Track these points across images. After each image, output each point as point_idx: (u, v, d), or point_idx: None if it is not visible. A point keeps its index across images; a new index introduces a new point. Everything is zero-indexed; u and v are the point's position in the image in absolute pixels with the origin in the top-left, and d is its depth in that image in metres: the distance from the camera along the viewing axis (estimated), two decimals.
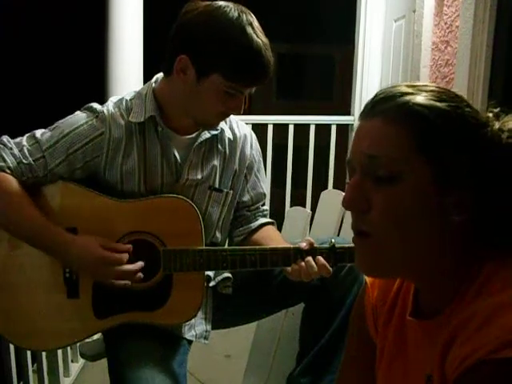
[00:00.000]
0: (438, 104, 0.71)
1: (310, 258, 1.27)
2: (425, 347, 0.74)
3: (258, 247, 1.34)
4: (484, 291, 0.67)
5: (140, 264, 1.28)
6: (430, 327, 0.74)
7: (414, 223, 0.70)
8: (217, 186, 1.42)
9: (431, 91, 0.73)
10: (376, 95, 0.75)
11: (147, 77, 1.53)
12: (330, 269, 1.27)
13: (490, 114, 0.74)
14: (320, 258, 1.27)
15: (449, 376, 0.67)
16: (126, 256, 1.26)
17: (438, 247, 0.71)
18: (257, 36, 1.22)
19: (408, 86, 0.74)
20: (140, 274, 1.28)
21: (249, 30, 1.21)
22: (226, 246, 1.42)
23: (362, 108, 0.76)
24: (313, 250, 1.29)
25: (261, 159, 1.53)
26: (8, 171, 1.27)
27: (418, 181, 0.69)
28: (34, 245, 1.30)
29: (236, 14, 1.22)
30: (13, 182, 1.27)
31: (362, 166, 0.72)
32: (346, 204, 0.73)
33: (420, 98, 0.71)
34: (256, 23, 1.24)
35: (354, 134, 0.76)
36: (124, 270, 1.26)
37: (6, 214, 1.29)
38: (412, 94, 0.72)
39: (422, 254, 0.72)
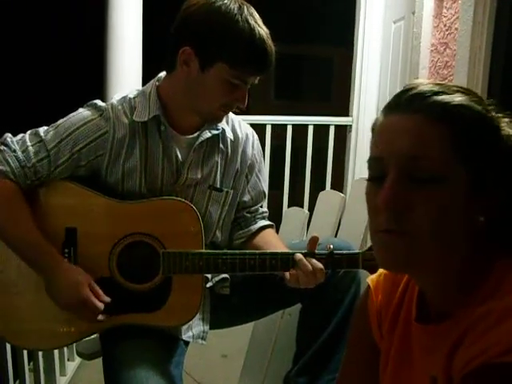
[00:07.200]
0: (477, 106, 0.70)
1: (307, 263, 1.27)
2: (431, 350, 0.74)
3: (257, 251, 1.33)
4: (496, 294, 0.67)
5: (102, 316, 1.29)
6: (438, 331, 0.73)
7: (450, 223, 0.69)
8: (217, 185, 1.42)
9: (461, 92, 0.71)
10: (409, 89, 0.71)
11: (146, 76, 1.52)
12: (324, 271, 1.27)
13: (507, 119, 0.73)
14: (317, 263, 1.27)
15: (455, 377, 0.67)
16: (102, 306, 1.27)
17: (464, 247, 0.72)
18: (259, 26, 1.24)
19: (434, 84, 0.72)
20: (101, 317, 1.29)
21: (251, 19, 1.24)
22: (226, 250, 1.41)
23: (392, 100, 0.73)
24: (311, 256, 1.28)
25: (262, 159, 1.54)
26: (11, 176, 1.27)
27: (456, 182, 0.68)
28: (24, 259, 1.28)
29: (237, 6, 1.25)
30: (13, 190, 1.27)
31: (399, 167, 0.69)
32: (386, 204, 0.69)
33: (461, 99, 0.69)
34: (256, 15, 1.27)
35: (379, 128, 0.73)
36: (93, 318, 1.27)
37: (2, 225, 1.28)
38: (445, 92, 0.70)
39: (451, 253, 0.72)
